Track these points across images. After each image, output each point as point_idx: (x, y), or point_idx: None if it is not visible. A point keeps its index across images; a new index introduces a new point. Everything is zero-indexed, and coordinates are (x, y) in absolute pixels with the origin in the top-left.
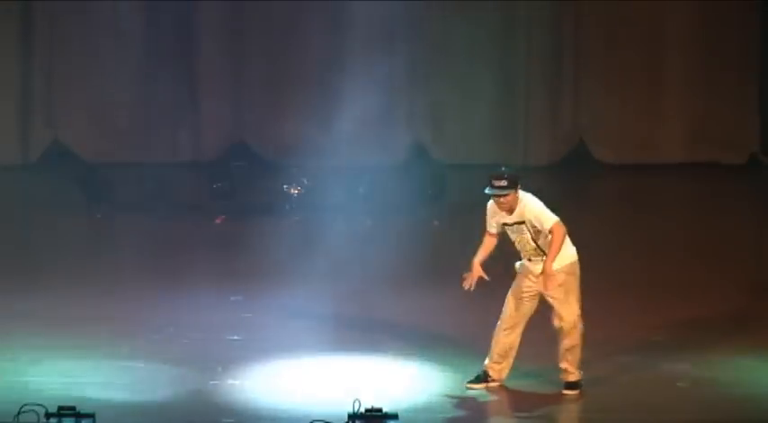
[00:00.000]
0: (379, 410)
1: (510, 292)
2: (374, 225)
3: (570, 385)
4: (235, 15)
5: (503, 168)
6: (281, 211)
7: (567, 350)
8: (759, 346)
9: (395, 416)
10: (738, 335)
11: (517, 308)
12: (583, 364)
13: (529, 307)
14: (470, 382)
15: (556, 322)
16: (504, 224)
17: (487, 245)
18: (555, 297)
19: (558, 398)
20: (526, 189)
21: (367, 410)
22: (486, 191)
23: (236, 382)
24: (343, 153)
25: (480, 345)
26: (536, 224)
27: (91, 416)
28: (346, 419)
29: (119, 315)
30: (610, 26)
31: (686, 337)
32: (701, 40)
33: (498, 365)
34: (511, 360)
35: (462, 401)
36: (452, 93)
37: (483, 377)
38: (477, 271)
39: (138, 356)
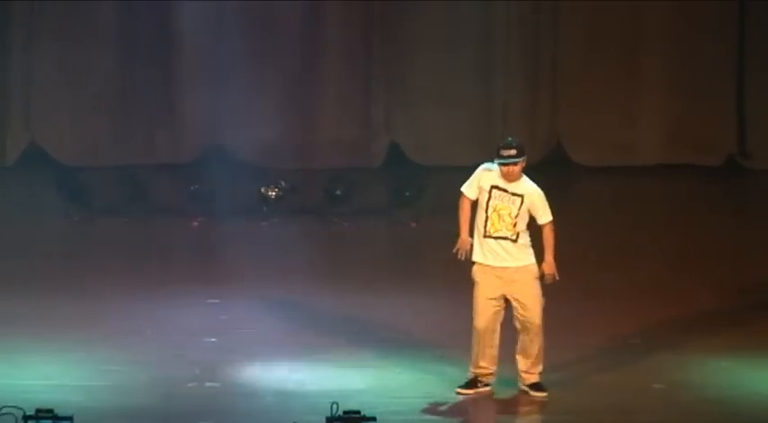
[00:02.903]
0: (357, 413)
1: (480, 298)
2: (351, 227)
3: (540, 386)
4: (212, 17)
5: (509, 138)
6: (258, 214)
7: (537, 353)
8: (735, 347)
9: (372, 419)
10: (714, 337)
11: (492, 311)
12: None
13: (500, 309)
14: (461, 387)
15: (521, 325)
16: (497, 187)
17: (467, 212)
18: (525, 300)
19: (530, 400)
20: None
21: (345, 413)
22: (497, 162)
23: (214, 385)
24: (321, 155)
25: (458, 346)
26: (532, 207)
27: (69, 418)
28: (324, 422)
29: (96, 317)
30: (588, 28)
31: (662, 339)
32: (679, 41)
33: (487, 370)
34: (496, 363)
35: (440, 404)
36: (430, 94)
37: (473, 382)
38: (467, 241)
39: (116, 359)
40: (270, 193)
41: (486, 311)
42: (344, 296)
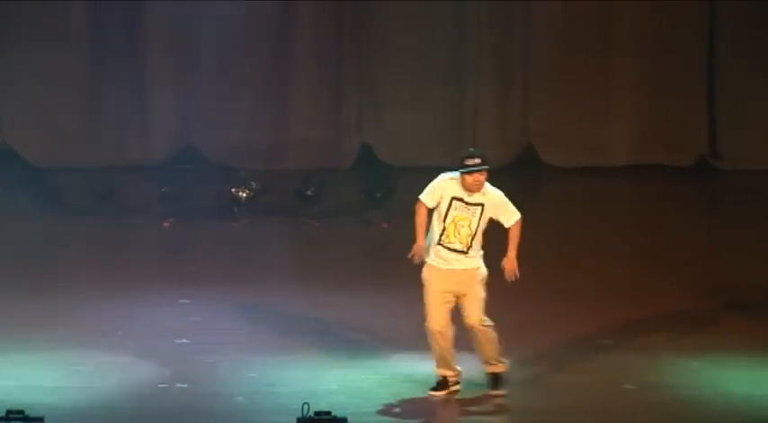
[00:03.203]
0: (328, 414)
1: (432, 298)
2: (322, 228)
3: (498, 381)
4: (182, 17)
5: (471, 149)
6: (229, 215)
7: (490, 347)
8: (705, 348)
9: (343, 419)
10: (686, 337)
11: (446, 310)
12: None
13: (451, 306)
14: (433, 389)
15: (465, 322)
16: (458, 199)
17: (423, 218)
18: (470, 298)
19: (500, 400)
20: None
21: (316, 414)
22: (462, 172)
23: (185, 386)
24: (292, 156)
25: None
26: (498, 213)
27: (40, 419)
28: None
29: (67, 318)
30: (559, 28)
31: (633, 339)
32: (650, 42)
33: (453, 370)
34: (451, 356)
35: (411, 404)
36: (400, 95)
37: (444, 384)
38: (422, 247)
39: (87, 360)
40: (241, 194)
41: (438, 311)
42: (316, 297)
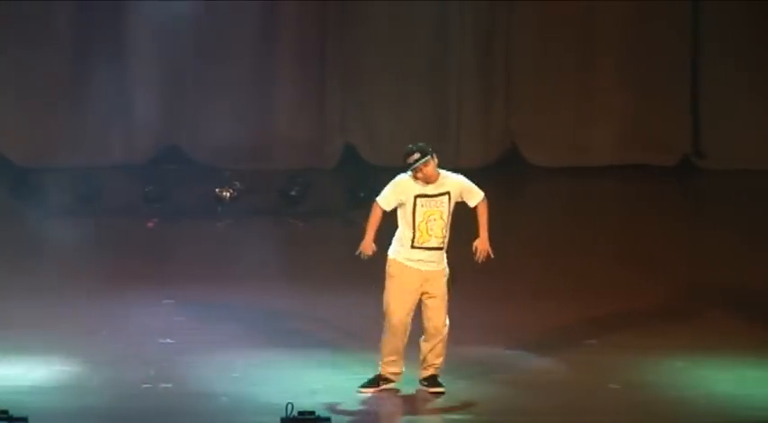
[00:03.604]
0: (312, 413)
1: (398, 293)
2: (306, 227)
3: (436, 380)
4: (166, 17)
5: (408, 146)
6: (213, 214)
7: (440, 351)
8: (691, 347)
9: (327, 419)
10: (670, 337)
11: (410, 307)
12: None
13: (414, 305)
14: (363, 386)
15: (429, 323)
16: (422, 196)
17: (377, 219)
18: (434, 297)
19: (486, 400)
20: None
21: (300, 413)
22: (409, 172)
23: (169, 386)
24: (276, 156)
25: (411, 347)
26: (463, 195)
27: (24, 419)
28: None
29: (51, 318)
30: (542, 28)
31: (617, 339)
32: (633, 42)
33: (397, 369)
34: (402, 361)
35: (395, 404)
36: (384, 95)
37: (376, 380)
38: (370, 245)
39: (71, 360)
40: (225, 194)
41: (403, 307)
42: (300, 296)
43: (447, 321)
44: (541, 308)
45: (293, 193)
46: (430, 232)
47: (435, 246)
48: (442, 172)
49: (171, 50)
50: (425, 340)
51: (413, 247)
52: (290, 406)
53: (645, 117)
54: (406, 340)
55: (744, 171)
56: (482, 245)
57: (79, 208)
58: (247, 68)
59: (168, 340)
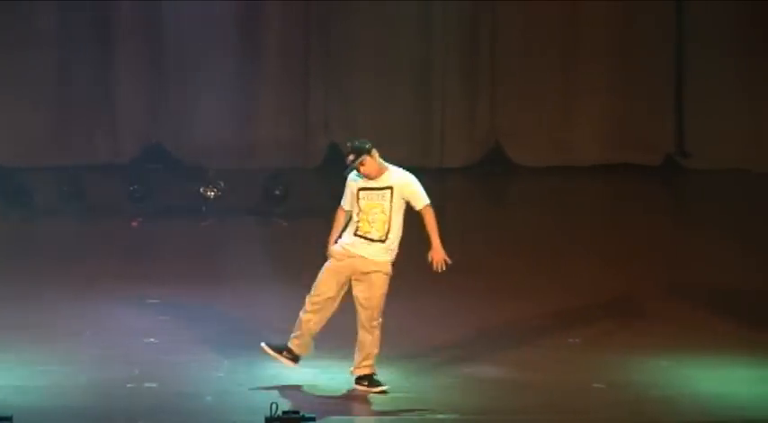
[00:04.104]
0: (297, 413)
1: (326, 272)
2: (290, 227)
3: (369, 380)
4: (150, 16)
5: (348, 143)
6: (197, 214)
7: (371, 346)
8: (675, 346)
9: (312, 419)
10: (655, 336)
11: (327, 283)
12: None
13: (338, 293)
14: (268, 345)
15: (360, 318)
16: (364, 188)
17: (340, 223)
18: (368, 292)
19: (475, 400)
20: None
21: (284, 413)
22: (347, 171)
23: (154, 385)
24: (259, 155)
25: (401, 346)
26: (407, 196)
27: (8, 419)
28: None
29: (35, 318)
30: (526, 28)
31: (601, 338)
32: (617, 41)
33: (303, 348)
34: (310, 339)
35: (379, 404)
36: (368, 94)
37: (282, 349)
38: (333, 246)
39: (56, 359)
40: (209, 193)
41: (326, 285)
42: (284, 296)
43: (376, 320)
44: (525, 307)
45: (277, 192)
46: (371, 224)
47: (376, 238)
48: (392, 168)
49: (155, 50)
50: (358, 336)
51: (355, 234)
52: (274, 405)
53: (629, 117)
54: (315, 329)
55: (728, 170)
56: (436, 255)
57: (64, 208)
58: (231, 68)
59: (152, 340)
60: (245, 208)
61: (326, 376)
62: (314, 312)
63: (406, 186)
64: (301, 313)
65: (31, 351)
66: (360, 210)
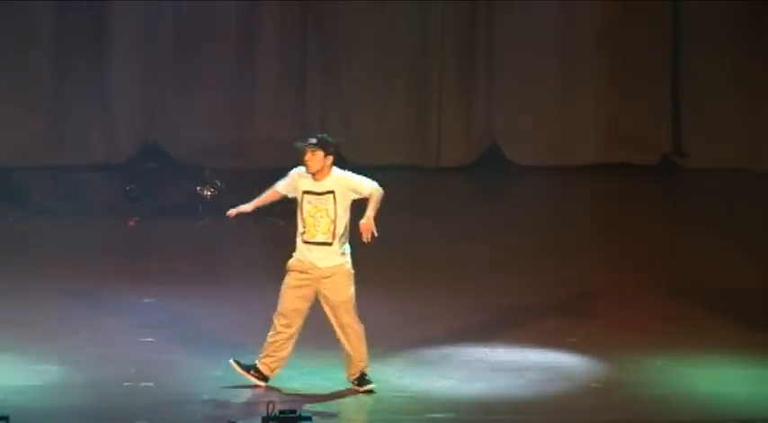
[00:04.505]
0: (293, 412)
1: (287, 287)
2: (287, 226)
3: (363, 380)
4: (147, 16)
5: (319, 134)
6: (194, 213)
7: (352, 353)
8: (672, 346)
9: (308, 418)
10: (652, 335)
11: (292, 300)
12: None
13: (304, 305)
14: (237, 362)
15: (333, 325)
16: (308, 192)
17: (268, 198)
18: (332, 297)
19: (468, 399)
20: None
21: (281, 412)
22: (296, 144)
23: (150, 385)
24: (256, 155)
25: (397, 346)
26: (350, 190)
27: (5, 418)
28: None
29: (31, 317)
30: (522, 27)
31: (598, 337)
32: (613, 40)
33: (272, 362)
34: (281, 359)
35: (375, 404)
36: (365, 94)
37: (250, 368)
38: (241, 209)
39: (52, 359)
40: (206, 193)
41: (288, 301)
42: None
43: (351, 321)
44: (522, 306)
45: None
46: (317, 228)
47: (323, 241)
48: (338, 172)
49: (151, 49)
50: (338, 342)
51: (304, 241)
52: (270, 405)
53: (625, 116)
54: (284, 345)
55: (725, 170)
56: (365, 225)
57: (60, 207)
58: (228, 67)
59: (149, 339)
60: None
61: (324, 376)
62: (283, 330)
63: (347, 182)
64: (270, 334)
65: (27, 350)
66: (304, 214)
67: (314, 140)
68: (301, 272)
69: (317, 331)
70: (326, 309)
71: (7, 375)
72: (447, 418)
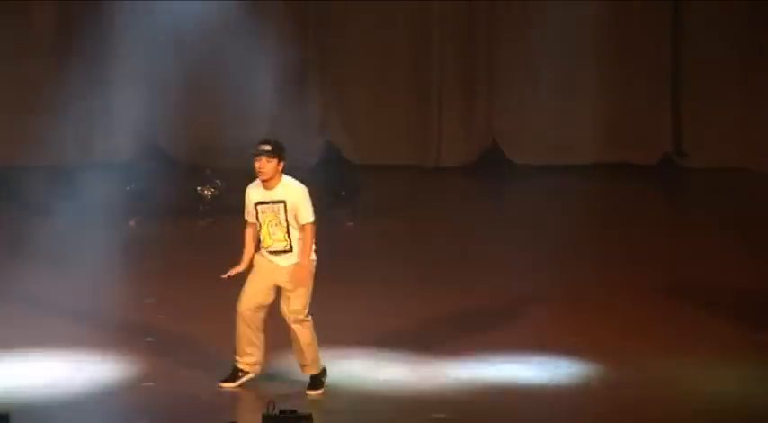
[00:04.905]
0: (294, 411)
1: (251, 282)
2: None
3: (315, 382)
4: (147, 16)
5: (267, 138)
6: (194, 213)
7: (300, 349)
8: (674, 346)
9: (308, 416)
10: (654, 336)
11: (255, 296)
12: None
13: (268, 299)
14: (223, 381)
15: (287, 318)
16: (261, 203)
17: (251, 236)
18: (290, 292)
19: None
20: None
21: (281, 411)
22: (250, 151)
23: (151, 384)
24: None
25: (396, 346)
26: (294, 210)
27: (5, 417)
28: (261, 421)
29: (32, 317)
30: (523, 27)
31: (602, 338)
32: (613, 40)
33: (252, 358)
34: (261, 351)
35: (376, 402)
36: (366, 93)
37: (235, 374)
38: (238, 270)
39: (53, 358)
40: (206, 193)
41: (251, 295)
42: (280, 294)
43: (301, 312)
44: (523, 307)
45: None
46: (272, 237)
47: (280, 249)
48: (285, 180)
49: (152, 50)
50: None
51: (263, 249)
52: (271, 405)
53: (625, 116)
54: (255, 333)
55: (725, 170)
56: (297, 272)
57: (60, 207)
58: (228, 67)
59: (150, 339)
60: (242, 207)
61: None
62: (247, 321)
63: (298, 201)
64: (236, 328)
65: (27, 350)
66: (260, 224)
67: (268, 147)
68: (266, 271)
69: (317, 329)
70: (282, 301)
71: (8, 374)
72: (450, 419)
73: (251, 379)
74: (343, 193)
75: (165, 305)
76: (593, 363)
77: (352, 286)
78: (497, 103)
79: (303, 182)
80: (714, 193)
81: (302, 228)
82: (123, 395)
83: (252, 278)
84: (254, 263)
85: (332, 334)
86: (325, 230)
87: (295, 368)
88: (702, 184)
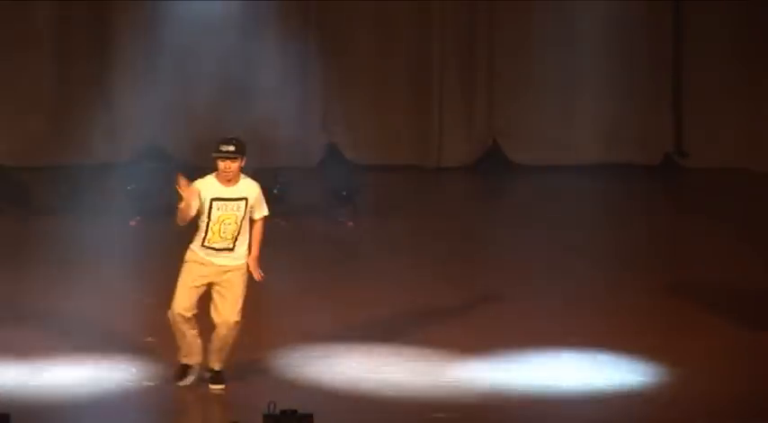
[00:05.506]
0: (294, 411)
1: (185, 281)
2: (288, 226)
3: (220, 377)
4: (148, 15)
5: (229, 136)
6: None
7: (223, 348)
8: (677, 346)
9: (309, 416)
10: (655, 335)
11: (192, 297)
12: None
13: (197, 297)
14: (177, 379)
15: (219, 318)
16: (218, 199)
17: (188, 208)
18: (228, 295)
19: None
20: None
21: (282, 411)
22: (214, 154)
23: (152, 384)
24: (257, 154)
25: (401, 343)
26: (254, 204)
27: (5, 417)
28: (261, 421)
29: (32, 317)
30: (523, 27)
31: (600, 337)
32: (615, 40)
33: (196, 356)
34: (200, 342)
35: (376, 402)
36: (366, 93)
37: (185, 370)
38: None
39: (53, 358)
40: None
41: (187, 295)
42: (282, 296)
43: (237, 317)
44: (524, 307)
45: (275, 191)
46: (222, 235)
47: (224, 247)
48: (244, 177)
49: (153, 49)
50: (215, 332)
51: (202, 245)
52: (272, 404)
53: (626, 116)
54: (196, 331)
55: (726, 170)
56: (252, 264)
57: (61, 206)
58: (228, 67)
59: (150, 338)
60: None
61: (327, 375)
62: (186, 321)
63: (258, 196)
64: (175, 329)
65: (27, 350)
66: (210, 220)
67: (232, 147)
68: (201, 269)
69: (319, 329)
70: (216, 300)
71: (7, 374)
72: (450, 418)
73: (198, 373)
74: (344, 193)
75: (164, 305)
76: (594, 363)
77: (352, 286)
78: (498, 103)
79: (303, 182)
80: (715, 193)
81: (257, 222)
82: (123, 395)
83: (185, 280)
84: (186, 259)
85: (331, 334)
86: (326, 230)
87: (295, 368)
88: (703, 184)
